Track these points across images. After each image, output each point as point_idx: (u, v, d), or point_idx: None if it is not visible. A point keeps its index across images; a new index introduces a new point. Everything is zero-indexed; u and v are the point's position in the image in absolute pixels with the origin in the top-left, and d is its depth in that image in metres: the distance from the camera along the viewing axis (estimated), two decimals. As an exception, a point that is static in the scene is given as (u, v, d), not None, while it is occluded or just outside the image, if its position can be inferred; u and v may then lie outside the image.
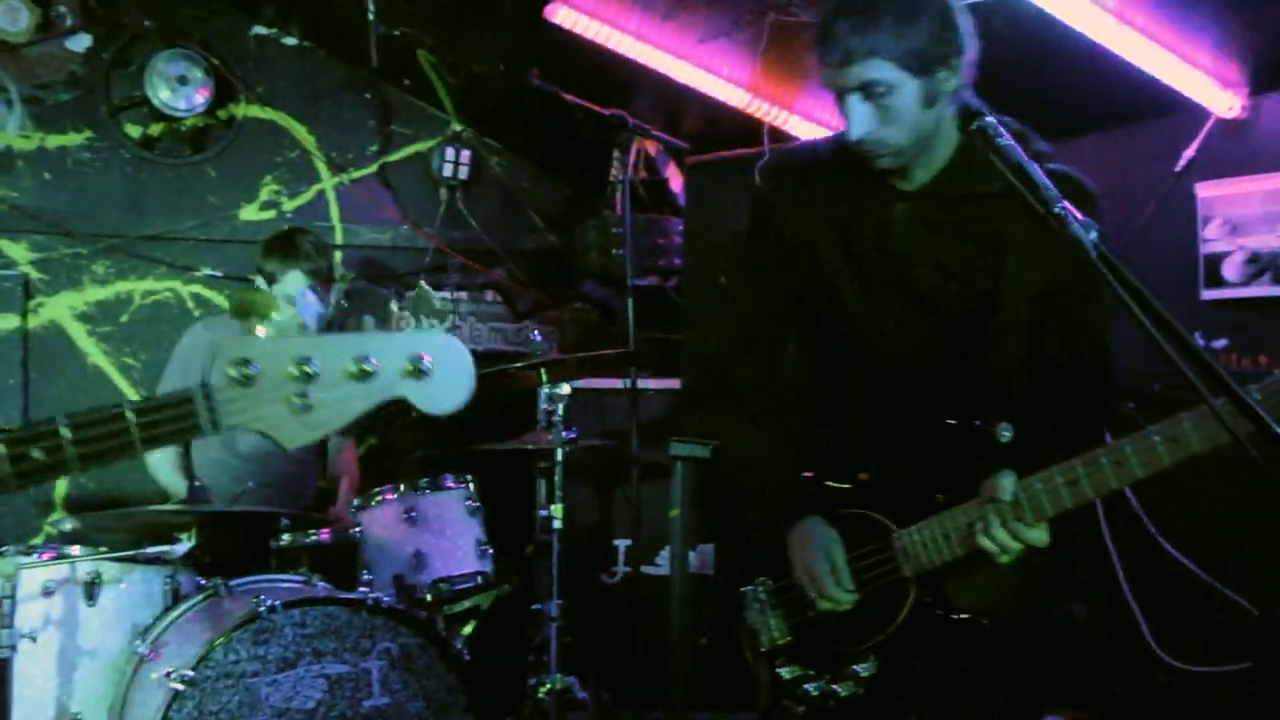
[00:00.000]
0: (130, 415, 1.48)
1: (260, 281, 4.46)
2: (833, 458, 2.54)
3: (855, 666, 2.41)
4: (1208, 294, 3.92)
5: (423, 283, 1.46)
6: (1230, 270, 3.85)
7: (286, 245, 4.41)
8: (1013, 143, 1.87)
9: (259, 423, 1.49)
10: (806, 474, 2.56)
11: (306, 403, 1.49)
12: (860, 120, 2.21)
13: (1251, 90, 3.82)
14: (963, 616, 2.34)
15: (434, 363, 1.52)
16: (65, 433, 1.47)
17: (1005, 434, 2.25)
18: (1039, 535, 2.16)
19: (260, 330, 1.58)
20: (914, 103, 2.19)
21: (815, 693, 2.46)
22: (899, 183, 2.36)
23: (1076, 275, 2.22)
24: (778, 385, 2.61)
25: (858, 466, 2.48)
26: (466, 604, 4.01)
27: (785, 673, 2.51)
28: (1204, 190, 3.94)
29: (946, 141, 2.32)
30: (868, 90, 2.18)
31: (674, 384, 4.80)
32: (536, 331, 4.58)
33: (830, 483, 2.53)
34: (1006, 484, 2.15)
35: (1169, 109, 3.98)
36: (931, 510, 2.31)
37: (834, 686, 2.44)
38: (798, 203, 2.48)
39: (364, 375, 1.50)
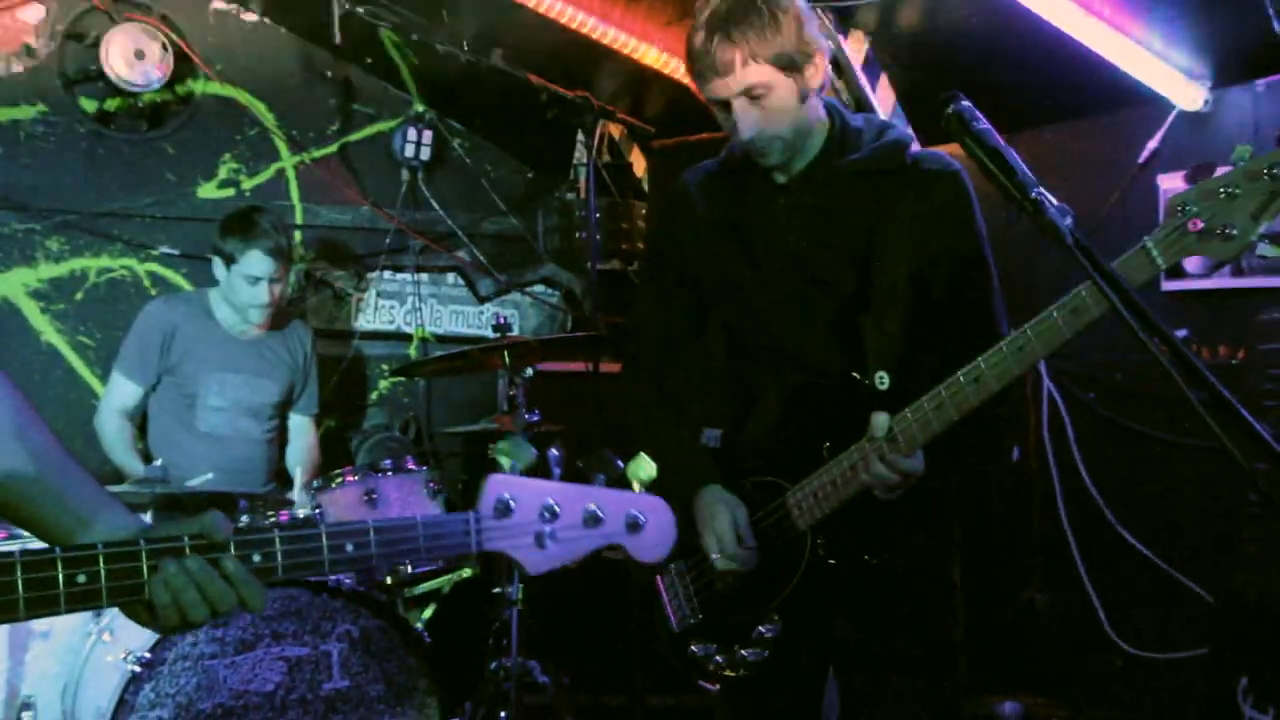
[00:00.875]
0: (420, 527, 1.69)
1: (217, 262, 4.40)
2: (744, 435, 2.69)
3: (761, 628, 2.51)
4: (1168, 285, 3.97)
5: (640, 461, 2.02)
6: (1191, 262, 3.88)
7: (245, 224, 4.37)
8: (989, 127, 1.87)
9: (510, 549, 1.73)
10: (718, 450, 2.72)
11: (548, 538, 1.74)
12: (748, 122, 2.41)
13: (1215, 83, 3.86)
14: (857, 559, 2.45)
15: (647, 520, 1.81)
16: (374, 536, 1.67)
17: (882, 383, 2.42)
18: (913, 465, 2.30)
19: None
20: (790, 99, 2.41)
21: (725, 663, 2.56)
22: (779, 177, 2.56)
23: (951, 242, 2.48)
24: (681, 379, 2.80)
25: (760, 439, 2.63)
26: (427, 587, 3.99)
27: (698, 650, 2.61)
28: (1166, 182, 3.97)
29: (818, 133, 2.54)
30: (749, 94, 2.39)
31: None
32: (500, 315, 4.55)
33: (734, 456, 2.67)
34: (880, 420, 2.31)
35: (1133, 101, 4.02)
36: (820, 463, 2.44)
37: (743, 653, 2.53)
38: (696, 213, 2.70)
39: (595, 522, 1.78)
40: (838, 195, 2.52)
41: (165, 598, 1.54)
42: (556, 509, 1.74)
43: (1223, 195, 2.02)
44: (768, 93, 2.39)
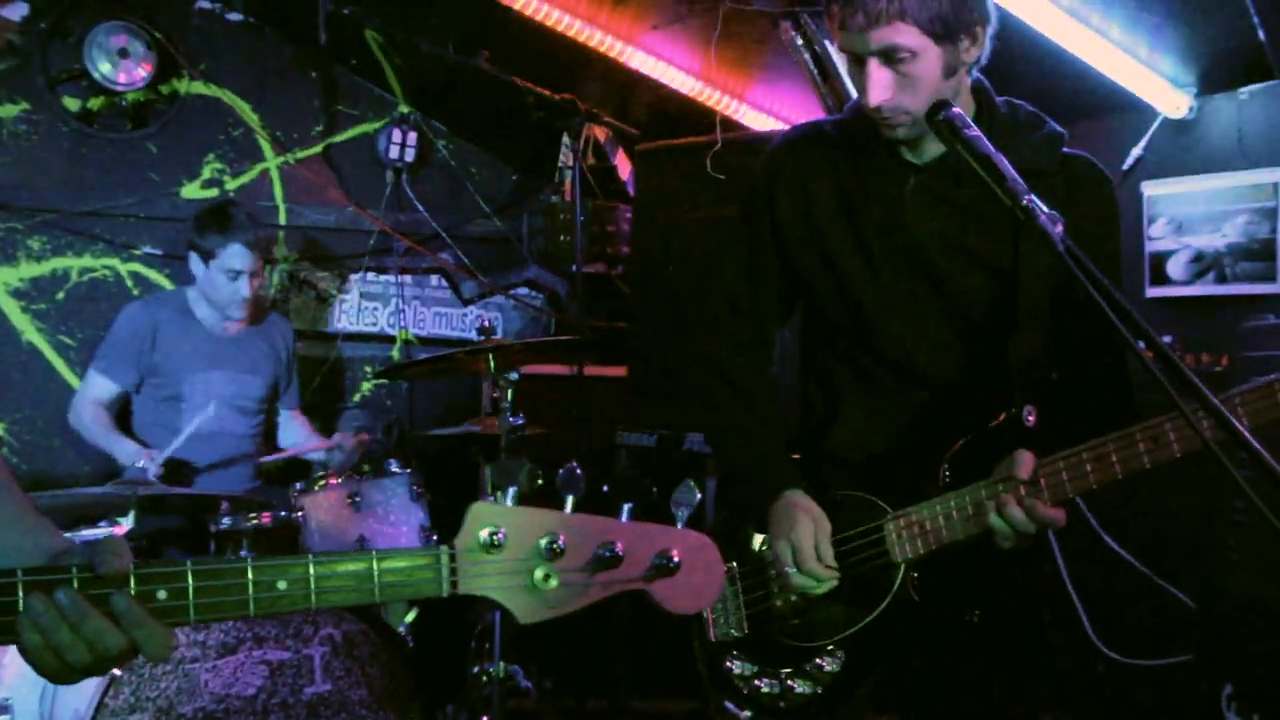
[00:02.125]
0: (375, 565, 1.43)
1: (194, 258, 4.37)
2: (830, 440, 2.42)
3: (820, 661, 2.26)
4: (1152, 291, 3.97)
5: (688, 482, 1.41)
6: (1175, 268, 3.90)
7: (222, 218, 4.37)
8: (979, 134, 1.86)
9: (497, 592, 1.45)
10: (796, 456, 2.45)
11: (546, 581, 1.45)
12: (880, 86, 2.11)
13: (1199, 91, 3.87)
14: (954, 610, 2.21)
15: (683, 560, 1.49)
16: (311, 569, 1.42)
17: (1030, 418, 2.15)
18: (1053, 517, 2.05)
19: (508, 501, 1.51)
20: (936, 70, 2.12)
21: (767, 691, 2.30)
22: (910, 156, 2.28)
23: (1097, 260, 2.05)
24: (761, 362, 2.50)
25: (856, 449, 2.36)
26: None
27: (736, 668, 2.35)
28: (1151, 189, 3.98)
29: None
30: (889, 55, 2.09)
31: (620, 372, 4.78)
32: (484, 317, 4.53)
33: (826, 465, 2.40)
34: (1026, 458, 2.06)
35: (1118, 108, 4.02)
36: (933, 491, 2.19)
37: (791, 684, 2.28)
38: (802, 180, 2.38)
39: (611, 563, 1.46)
40: (980, 193, 2.10)
41: (35, 640, 1.32)
42: (560, 545, 1.45)
43: None
44: (911, 58, 2.07)
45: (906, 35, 2.06)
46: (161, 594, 1.35)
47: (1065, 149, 2.26)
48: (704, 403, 2.52)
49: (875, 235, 2.29)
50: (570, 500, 1.52)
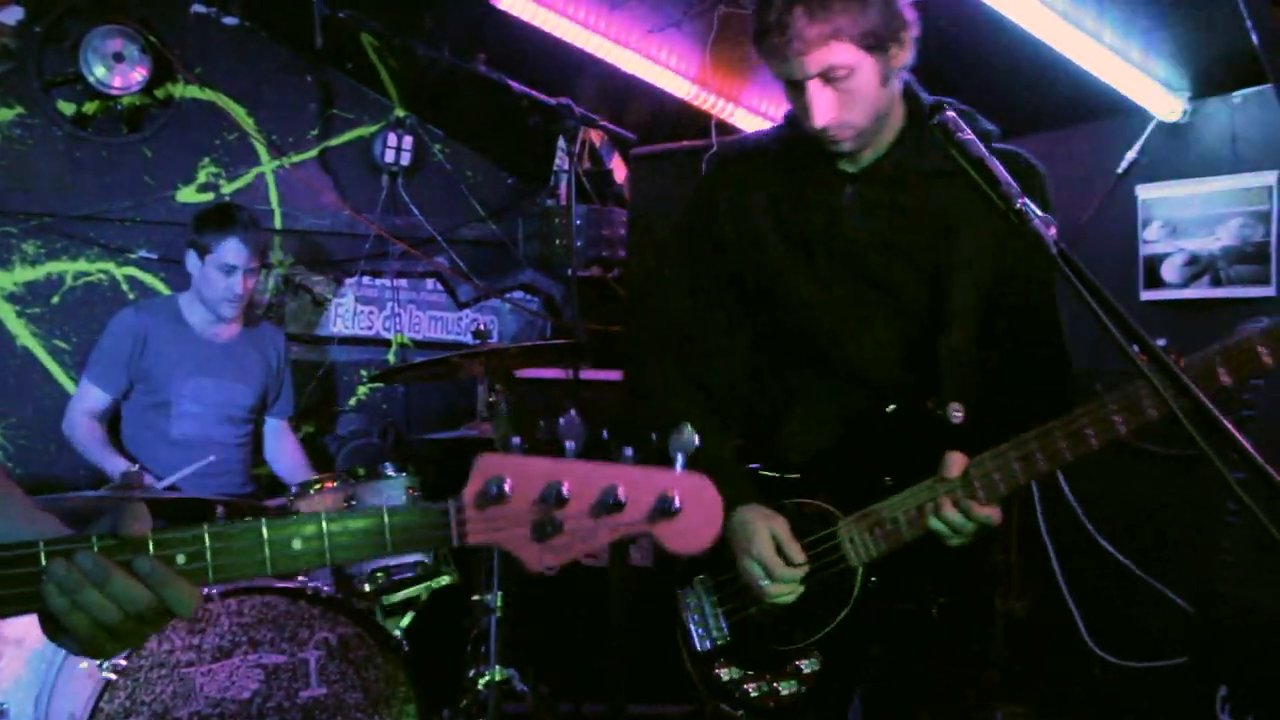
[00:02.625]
0: (386, 518, 1.46)
1: (191, 255, 4.37)
2: (779, 448, 2.48)
3: (799, 663, 2.35)
4: (1147, 294, 3.98)
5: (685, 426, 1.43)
6: (1169, 272, 3.91)
7: (222, 215, 4.40)
8: (973, 137, 1.86)
9: (504, 542, 1.47)
10: (752, 465, 2.50)
11: (552, 527, 1.47)
12: (824, 107, 2.16)
13: (1193, 95, 3.87)
14: (910, 606, 2.29)
15: (683, 503, 1.51)
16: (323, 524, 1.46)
17: (956, 415, 2.22)
18: (989, 515, 2.13)
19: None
20: (874, 82, 2.17)
21: (756, 694, 2.39)
22: (846, 165, 2.33)
23: (1028, 256, 2.20)
24: (712, 378, 2.54)
25: (804, 455, 2.42)
26: (405, 594, 3.96)
27: (724, 675, 2.42)
28: (1145, 192, 3.99)
29: (894, 119, 2.31)
30: (828, 75, 2.14)
31: (616, 376, 4.78)
32: (479, 321, 4.53)
33: (774, 473, 2.45)
34: (956, 460, 2.14)
35: (1112, 111, 4.03)
36: (880, 496, 2.26)
37: (776, 685, 2.37)
38: (741, 195, 2.43)
39: (614, 508, 1.48)
40: (913, 192, 2.29)
41: (61, 603, 1.36)
42: (564, 492, 1.46)
43: None
44: (849, 75, 2.13)
45: (842, 53, 2.11)
46: (180, 558, 1.40)
47: (997, 144, 2.26)
48: (658, 419, 2.54)
49: (817, 243, 2.36)
50: (570, 447, 1.54)
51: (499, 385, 4.00)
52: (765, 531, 2.29)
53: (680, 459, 1.57)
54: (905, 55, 2.22)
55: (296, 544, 1.44)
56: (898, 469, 2.26)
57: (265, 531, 1.43)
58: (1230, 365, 2.04)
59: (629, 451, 1.55)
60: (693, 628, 2.46)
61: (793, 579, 2.29)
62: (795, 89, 2.20)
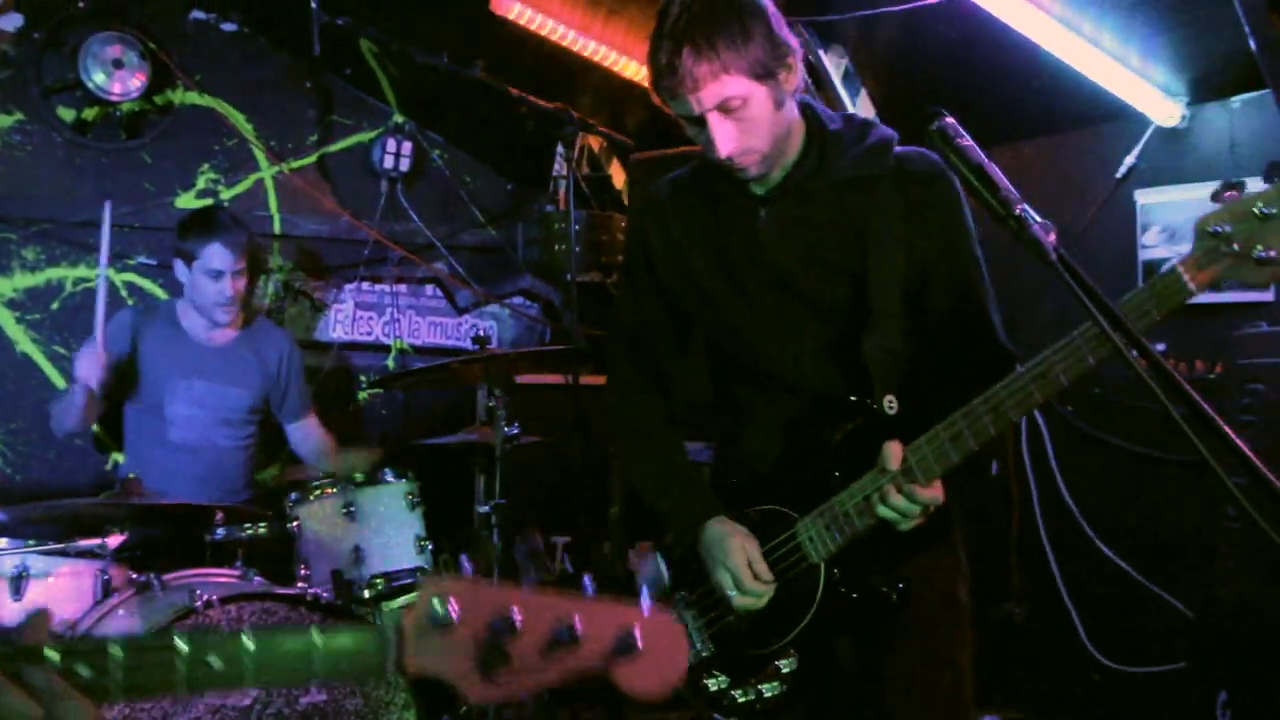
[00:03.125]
0: (318, 640, 1.32)
1: (179, 264, 4.35)
2: (734, 459, 2.61)
3: (778, 664, 2.42)
4: (1146, 299, 3.97)
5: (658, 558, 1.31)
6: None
7: (204, 220, 4.37)
8: (972, 143, 1.87)
9: (444, 672, 1.33)
10: (716, 479, 2.63)
11: (500, 660, 1.33)
12: (726, 138, 2.25)
13: (1191, 100, 3.88)
14: (876, 591, 2.35)
15: (646, 643, 1.37)
16: (249, 643, 1.31)
17: (891, 407, 2.33)
18: (933, 496, 2.20)
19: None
20: (768, 107, 2.26)
21: (743, 699, 2.46)
22: (756, 188, 2.42)
23: (944, 249, 2.37)
24: (668, 383, 2.68)
25: (762, 464, 2.52)
26: (406, 600, 3.96)
27: (712, 685, 2.50)
28: (1144, 197, 4.00)
29: (795, 138, 2.39)
30: (724, 107, 2.23)
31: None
32: (478, 327, 4.54)
33: (733, 482, 2.57)
34: (893, 451, 2.21)
35: (1111, 116, 4.04)
36: (832, 492, 2.33)
37: (760, 688, 2.44)
38: (667, 227, 2.56)
39: (568, 644, 1.34)
40: (823, 205, 2.38)
41: None
42: (516, 624, 1.33)
43: (1258, 215, 1.90)
44: (744, 104, 2.22)
45: (733, 85, 2.20)
46: (84, 670, 1.26)
47: (899, 148, 2.38)
48: (619, 447, 2.75)
49: (740, 265, 2.47)
50: (528, 580, 1.41)
51: (498, 390, 4.00)
52: (739, 547, 2.40)
53: (645, 593, 1.49)
54: (795, 79, 2.30)
55: (216, 663, 1.28)
56: (844, 464, 2.34)
57: (183, 648, 1.28)
58: (1159, 299, 2.03)
59: (588, 579, 1.48)
60: None
61: (759, 594, 2.39)
62: (696, 125, 2.29)
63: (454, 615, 1.32)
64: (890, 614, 2.36)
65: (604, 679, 1.38)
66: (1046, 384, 2.09)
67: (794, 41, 2.30)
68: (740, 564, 2.37)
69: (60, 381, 4.99)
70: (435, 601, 1.32)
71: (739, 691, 2.47)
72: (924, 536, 2.31)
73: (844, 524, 2.31)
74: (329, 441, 4.77)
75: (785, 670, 2.41)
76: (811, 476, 2.39)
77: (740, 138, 2.26)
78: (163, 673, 1.28)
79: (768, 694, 2.43)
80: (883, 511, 2.23)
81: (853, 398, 2.37)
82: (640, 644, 1.36)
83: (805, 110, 2.41)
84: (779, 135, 2.31)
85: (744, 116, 2.24)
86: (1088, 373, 2.06)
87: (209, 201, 5.27)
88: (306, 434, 4.74)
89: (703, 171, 2.52)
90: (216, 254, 4.28)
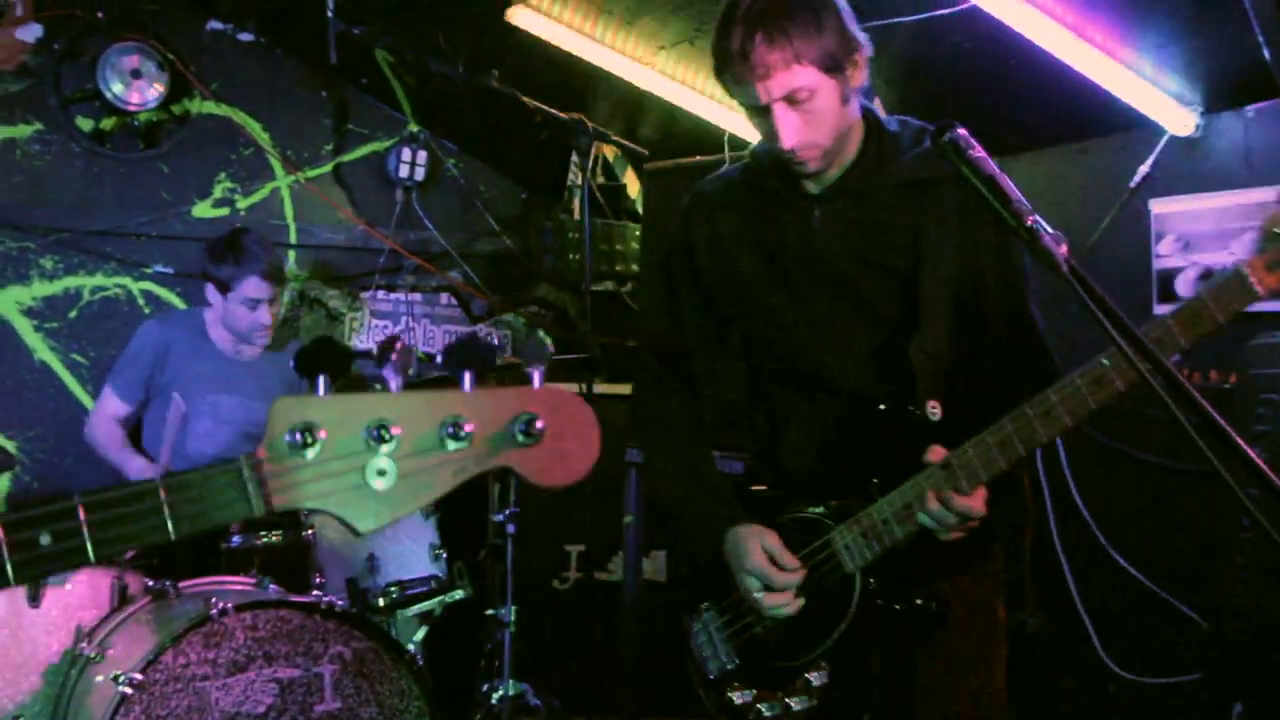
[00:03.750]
0: (161, 494, 1.19)
1: (211, 289, 4.36)
2: (778, 465, 2.55)
3: (808, 676, 2.36)
4: (1160, 309, 3.97)
5: (536, 332, 1.21)
6: (1183, 286, 3.90)
7: (235, 250, 4.32)
8: (984, 155, 1.87)
9: (324, 500, 1.22)
10: (749, 486, 2.57)
11: (383, 475, 1.21)
12: (791, 129, 2.23)
13: (1206, 109, 3.87)
14: (913, 604, 2.30)
15: (548, 424, 1.25)
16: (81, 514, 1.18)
17: (934, 413, 2.28)
18: (975, 505, 2.15)
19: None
20: (835, 101, 2.24)
21: (769, 713, 2.40)
22: (811, 187, 2.40)
23: (998, 256, 2.33)
24: (692, 402, 2.64)
25: (799, 470, 2.48)
26: (420, 608, 3.97)
27: (737, 698, 2.45)
28: (1158, 207, 3.99)
29: (854, 138, 2.37)
30: (791, 98, 2.20)
31: (629, 389, 4.79)
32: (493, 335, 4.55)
33: (764, 488, 2.53)
34: (937, 454, 2.18)
35: (1124, 126, 4.03)
36: (869, 499, 2.29)
37: (788, 702, 2.38)
38: (715, 226, 2.53)
39: (457, 439, 1.22)
40: (878, 207, 2.35)
41: None
42: (390, 429, 1.19)
43: None
44: (811, 97, 2.20)
45: (803, 76, 2.18)
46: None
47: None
48: (644, 454, 2.72)
49: (792, 264, 2.43)
50: (398, 381, 1.30)
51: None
52: (757, 544, 2.36)
53: (538, 373, 1.33)
54: (861, 76, 2.29)
55: (45, 539, 1.16)
56: (884, 472, 2.29)
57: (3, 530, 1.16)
58: (1184, 326, 2.07)
59: (468, 374, 1.30)
60: (702, 656, 2.51)
61: (789, 586, 2.34)
62: (761, 114, 2.27)
63: (316, 437, 1.19)
64: (930, 626, 2.31)
65: (508, 475, 1.28)
66: (1101, 389, 2.07)
67: (863, 38, 2.29)
68: (762, 563, 2.33)
69: (78, 389, 5.02)
70: (291, 426, 1.19)
71: (765, 705, 2.41)
72: (964, 549, 2.26)
73: (882, 532, 2.26)
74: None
75: (815, 684, 2.36)
76: (849, 483, 2.35)
77: (805, 130, 2.24)
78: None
79: (796, 708, 2.38)
80: (923, 519, 2.19)
81: (895, 402, 2.33)
82: (540, 425, 1.25)
83: (865, 110, 2.39)
84: (841, 131, 2.30)
85: (810, 109, 2.22)
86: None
87: (225, 211, 5.31)
88: None
89: (753, 171, 2.50)
90: (254, 286, 4.29)
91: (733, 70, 2.22)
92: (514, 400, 1.25)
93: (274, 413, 1.20)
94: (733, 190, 2.54)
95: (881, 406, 2.35)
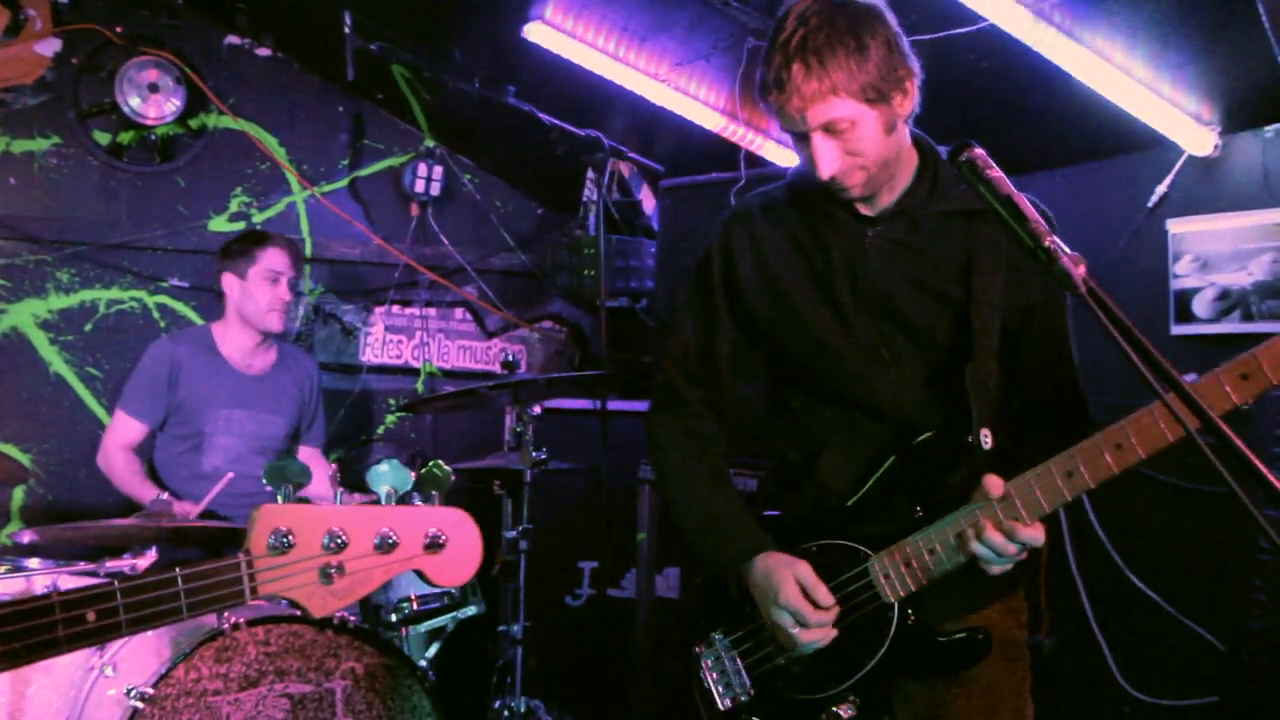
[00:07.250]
0: (180, 583, 1.48)
1: (230, 279, 4.40)
2: (810, 492, 2.46)
3: (836, 709, 2.29)
4: (1178, 329, 3.95)
5: (437, 464, 1.53)
6: (1200, 306, 3.88)
7: (253, 233, 4.51)
8: (1001, 174, 1.86)
9: (291, 591, 1.52)
10: (771, 512, 2.49)
11: (335, 572, 1.53)
12: (829, 159, 2.19)
13: (1224, 129, 3.86)
14: (957, 635, 2.25)
15: (449, 537, 1.62)
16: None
17: (985, 442, 2.23)
18: (1034, 536, 2.10)
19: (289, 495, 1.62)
20: (877, 131, 2.19)
21: None
22: (864, 209, 2.35)
23: (1044, 292, 2.30)
24: (716, 426, 2.56)
25: (834, 496, 2.40)
26: (432, 624, 3.96)
27: None
28: (1175, 226, 3.97)
29: (907, 164, 2.33)
30: (830, 128, 2.17)
31: (644, 406, 4.77)
32: (507, 351, 4.55)
33: (792, 514, 2.46)
34: (995, 482, 2.12)
35: (1143, 145, 4.02)
36: (911, 529, 2.23)
37: None
38: (760, 244, 2.46)
39: (389, 547, 1.57)
40: (932, 234, 2.32)
41: None
42: (343, 538, 1.54)
43: None
44: (852, 127, 2.16)
45: (842, 108, 2.13)
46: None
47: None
48: (662, 475, 2.60)
49: (843, 288, 2.37)
50: (339, 494, 1.68)
51: (525, 415, 4.01)
52: (790, 577, 2.26)
53: (436, 497, 1.68)
54: (910, 103, 2.23)
55: (90, 616, 1.42)
56: (928, 500, 2.24)
57: (58, 610, 1.40)
58: (1235, 382, 2.03)
59: (385, 491, 1.67)
60: (713, 686, 2.43)
61: (825, 623, 2.25)
62: (801, 140, 2.23)
63: (291, 540, 1.52)
64: (974, 657, 2.26)
65: (419, 573, 1.63)
66: (1176, 424, 2.01)
67: (915, 64, 2.23)
68: (796, 599, 2.24)
69: (93, 403, 5.03)
70: (274, 530, 1.51)
71: None
72: (999, 580, 2.21)
73: (929, 562, 2.20)
74: (330, 479, 4.78)
75: (843, 717, 2.28)
76: (890, 511, 2.29)
77: (844, 159, 2.20)
78: (41, 635, 1.38)
79: None
80: (977, 548, 2.12)
81: (948, 430, 2.27)
82: (444, 539, 1.63)
83: (917, 139, 2.36)
84: (887, 159, 2.25)
85: (851, 139, 2.18)
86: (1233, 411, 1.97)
87: (241, 225, 5.33)
88: (315, 462, 4.76)
89: (800, 190, 2.44)
90: (275, 256, 4.37)
91: (771, 98, 2.19)
92: (427, 518, 1.62)
93: (258, 518, 1.53)
94: (778, 209, 2.47)
95: (930, 433, 2.30)
